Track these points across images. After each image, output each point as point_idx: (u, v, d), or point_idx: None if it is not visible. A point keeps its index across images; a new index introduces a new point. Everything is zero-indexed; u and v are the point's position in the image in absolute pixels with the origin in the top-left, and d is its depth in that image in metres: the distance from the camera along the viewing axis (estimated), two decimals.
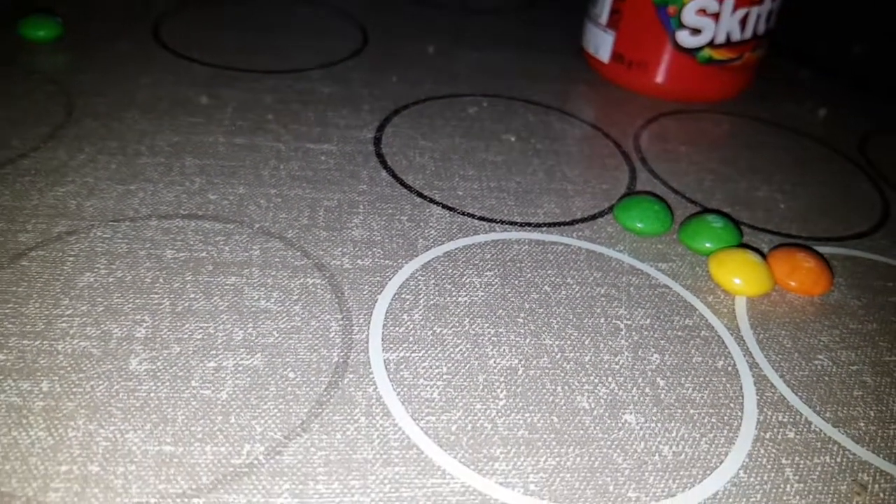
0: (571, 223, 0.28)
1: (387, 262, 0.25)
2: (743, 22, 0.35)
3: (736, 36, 0.36)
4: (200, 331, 0.21)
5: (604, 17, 0.38)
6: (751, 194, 0.31)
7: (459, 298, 0.24)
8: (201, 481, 0.17)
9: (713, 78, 0.37)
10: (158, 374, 0.20)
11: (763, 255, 0.26)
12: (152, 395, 0.19)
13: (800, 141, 0.37)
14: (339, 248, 0.25)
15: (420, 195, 0.28)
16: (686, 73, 0.37)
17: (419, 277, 0.24)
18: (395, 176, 0.29)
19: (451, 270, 0.25)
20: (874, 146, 0.37)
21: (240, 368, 0.20)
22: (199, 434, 0.18)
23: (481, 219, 0.28)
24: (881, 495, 0.19)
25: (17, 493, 0.17)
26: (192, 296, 0.22)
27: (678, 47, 0.36)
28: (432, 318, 0.23)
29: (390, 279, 0.24)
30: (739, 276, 0.25)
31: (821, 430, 0.21)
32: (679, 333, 0.24)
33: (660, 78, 0.38)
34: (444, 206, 0.28)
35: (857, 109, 0.41)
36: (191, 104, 0.32)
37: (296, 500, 0.17)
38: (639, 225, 0.27)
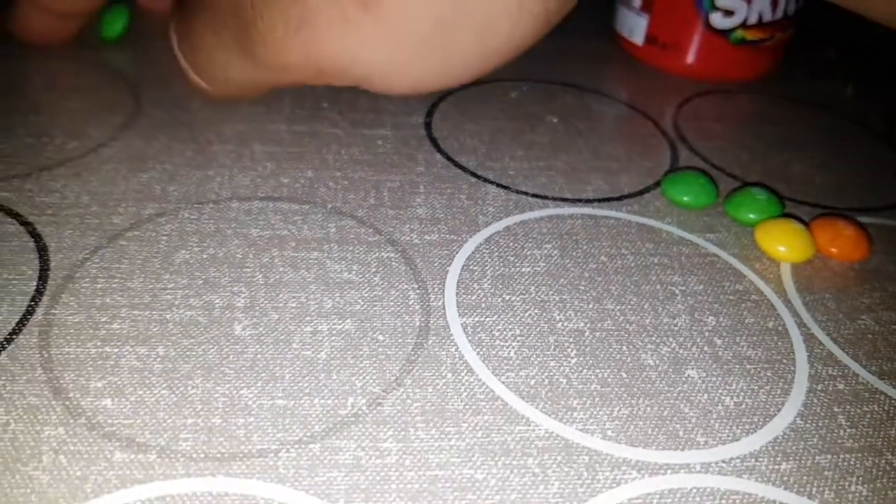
0: (620, 198, 0.30)
1: (452, 236, 0.26)
2: (774, 2, 0.37)
3: (767, 16, 0.37)
4: (294, 300, 0.23)
5: (637, 1, 0.40)
6: (787, 169, 0.33)
7: (523, 269, 0.25)
8: (314, 429, 0.19)
9: (745, 58, 0.39)
10: (262, 338, 0.22)
11: (805, 224, 0.28)
12: (259, 356, 0.21)
13: (829, 118, 0.38)
14: (407, 225, 0.27)
15: (475, 175, 0.30)
16: (719, 54, 0.39)
17: (483, 250, 0.26)
18: (449, 158, 0.31)
19: (512, 243, 0.27)
20: None
21: (334, 332, 0.22)
22: (307, 389, 0.20)
23: (535, 195, 0.29)
24: None
25: (150, 443, 0.18)
26: (281, 269, 0.24)
27: (711, 28, 0.38)
28: (500, 286, 0.25)
29: (457, 252, 0.26)
30: (784, 243, 0.27)
31: (868, 382, 0.23)
32: (731, 297, 0.25)
33: (693, 59, 0.39)
34: (499, 185, 0.30)
35: (883, 87, 0.42)
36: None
37: (399, 444, 0.19)
38: (685, 198, 0.29)
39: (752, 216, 0.28)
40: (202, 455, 0.18)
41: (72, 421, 0.19)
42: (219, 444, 0.19)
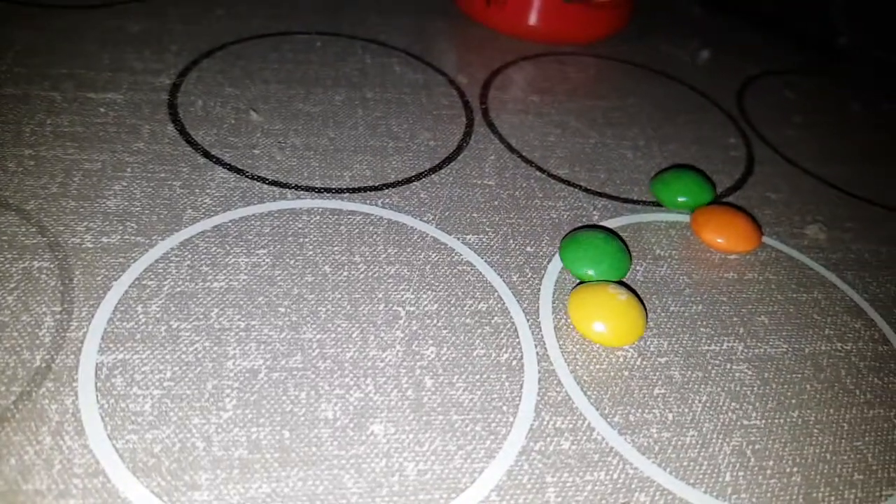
0: (381, 188, 0.25)
1: (138, 238, 0.21)
2: None
3: None
4: None
5: None
6: (596, 151, 0.28)
7: (214, 284, 0.21)
8: None
9: (581, 17, 0.34)
10: None
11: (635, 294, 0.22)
12: None
13: (672, 87, 0.34)
14: (86, 223, 0.22)
15: (206, 154, 0.25)
16: (550, 11, 0.33)
17: (172, 258, 0.21)
18: (182, 131, 0.26)
19: (214, 248, 0.22)
20: (753, 93, 0.34)
21: None
22: None
23: (273, 183, 0.24)
24: None
25: None
26: None
27: None
28: (172, 309, 0.20)
29: (136, 260, 0.21)
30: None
31: (603, 439, 0.18)
32: (467, 322, 0.21)
33: (522, 16, 0.34)
34: (231, 168, 0.24)
35: (744, 50, 0.38)
36: None
37: None
38: (680, 199, 0.25)
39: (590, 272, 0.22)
40: None
41: None
42: None
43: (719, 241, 0.24)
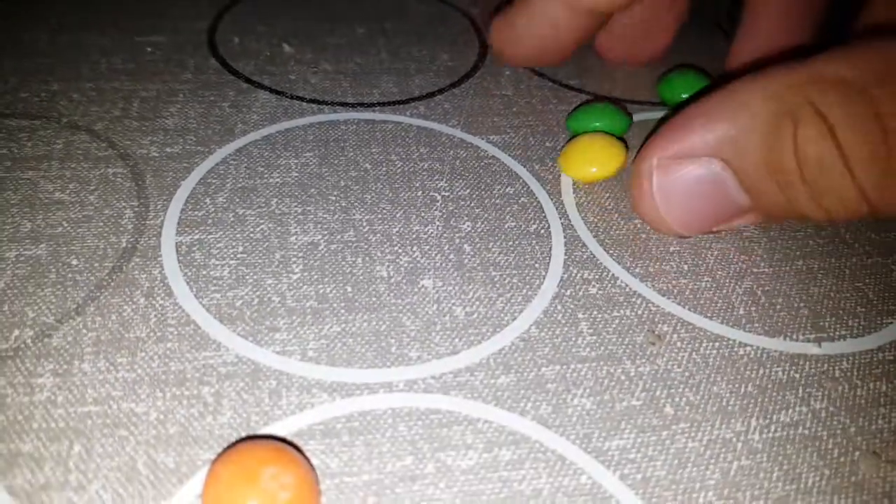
0: (407, 101, 0.27)
1: (198, 148, 0.24)
2: None
3: None
4: None
5: None
6: (602, 64, 0.31)
7: (271, 180, 0.23)
8: None
9: None
10: None
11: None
12: None
13: None
14: (149, 138, 0.24)
15: (248, 80, 0.27)
16: None
17: (230, 162, 0.23)
18: (224, 63, 0.28)
19: (267, 153, 0.24)
20: None
21: (21, 259, 0.20)
22: None
23: (311, 101, 0.27)
24: (678, 344, 0.19)
25: None
26: None
27: None
28: (237, 200, 0.22)
29: (199, 164, 0.23)
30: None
31: (626, 285, 0.21)
32: (497, 201, 0.23)
33: None
34: (272, 91, 0.27)
35: None
36: (18, 1, 0.30)
37: (57, 379, 0.17)
38: (684, 96, 0.27)
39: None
40: None
41: None
42: None
43: None
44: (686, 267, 0.22)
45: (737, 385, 0.19)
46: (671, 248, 0.22)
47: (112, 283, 0.19)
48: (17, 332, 0.18)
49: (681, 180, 0.20)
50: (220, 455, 0.15)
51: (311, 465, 0.15)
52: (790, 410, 0.18)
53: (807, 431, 0.18)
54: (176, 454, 0.16)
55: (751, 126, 0.18)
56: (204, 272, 0.20)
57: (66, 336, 0.18)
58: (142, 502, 0.15)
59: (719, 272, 0.22)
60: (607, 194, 0.24)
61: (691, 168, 0.19)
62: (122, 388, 0.17)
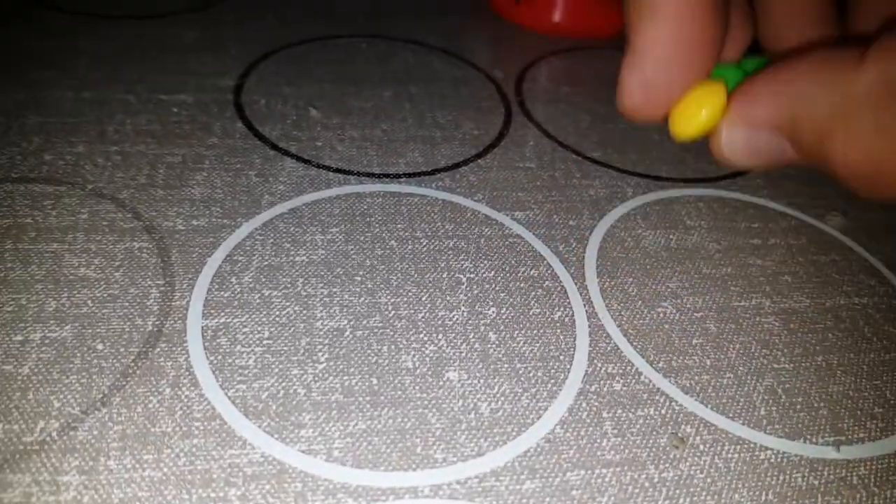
0: (433, 173, 0.27)
1: (224, 221, 0.24)
2: None
3: None
4: (12, 302, 0.20)
5: None
6: (626, 135, 0.31)
7: (297, 258, 0.23)
8: None
9: (607, 11, 0.36)
10: None
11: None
12: None
13: None
14: (175, 208, 0.24)
15: (274, 147, 0.27)
16: (578, 7, 0.36)
17: (257, 237, 0.23)
18: (250, 127, 0.28)
19: (293, 228, 0.24)
20: None
21: (46, 341, 0.20)
22: None
23: (337, 171, 0.27)
24: (701, 447, 0.19)
25: None
26: (10, 265, 0.21)
27: None
28: (263, 280, 0.22)
29: (225, 239, 0.23)
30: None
31: (650, 381, 0.21)
32: (521, 285, 0.23)
33: (550, 13, 0.36)
34: (298, 159, 0.27)
35: None
36: (43, 57, 0.30)
37: (82, 477, 0.17)
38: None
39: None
40: None
41: None
42: None
43: None
44: (709, 362, 0.22)
45: (757, 492, 0.19)
46: (694, 341, 0.22)
47: (138, 371, 0.19)
48: (42, 424, 0.18)
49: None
50: None
51: None
52: None
53: None
54: None
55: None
56: (229, 360, 0.20)
57: (91, 429, 0.18)
58: None
59: (741, 368, 0.22)
60: (630, 279, 0.24)
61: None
62: (148, 488, 0.17)
